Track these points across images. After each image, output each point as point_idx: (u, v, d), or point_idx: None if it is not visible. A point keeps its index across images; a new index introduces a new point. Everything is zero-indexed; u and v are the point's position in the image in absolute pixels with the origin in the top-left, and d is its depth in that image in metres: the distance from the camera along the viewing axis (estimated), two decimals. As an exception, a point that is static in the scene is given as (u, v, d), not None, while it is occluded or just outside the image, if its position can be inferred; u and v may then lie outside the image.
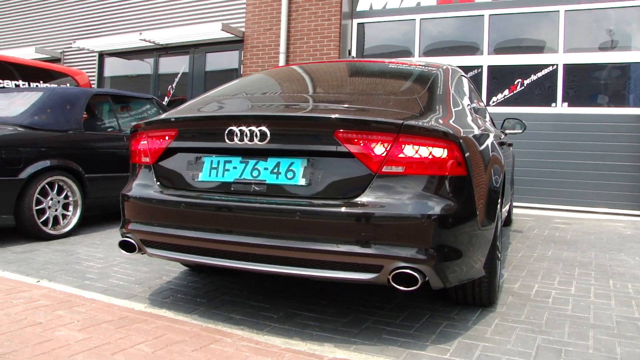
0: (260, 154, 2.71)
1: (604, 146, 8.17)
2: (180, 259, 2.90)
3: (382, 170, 2.52)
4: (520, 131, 5.76)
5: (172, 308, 3.23)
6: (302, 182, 2.60)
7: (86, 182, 5.70)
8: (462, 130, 2.73)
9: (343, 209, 2.48)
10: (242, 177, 2.72)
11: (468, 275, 2.76)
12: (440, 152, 2.54)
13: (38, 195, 5.23)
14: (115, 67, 13.02)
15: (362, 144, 2.53)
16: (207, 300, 3.41)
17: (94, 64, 13.10)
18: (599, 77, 8.36)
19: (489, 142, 3.25)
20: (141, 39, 11.46)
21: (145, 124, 3.09)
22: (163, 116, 3.05)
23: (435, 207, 2.49)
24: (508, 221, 6.62)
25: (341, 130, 2.54)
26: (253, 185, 2.69)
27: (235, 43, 10.98)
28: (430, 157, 2.53)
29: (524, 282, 3.98)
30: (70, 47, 13.08)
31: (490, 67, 8.93)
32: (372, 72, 3.84)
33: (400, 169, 2.51)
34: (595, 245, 5.56)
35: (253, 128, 2.65)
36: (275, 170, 2.66)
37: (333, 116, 2.59)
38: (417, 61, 3.98)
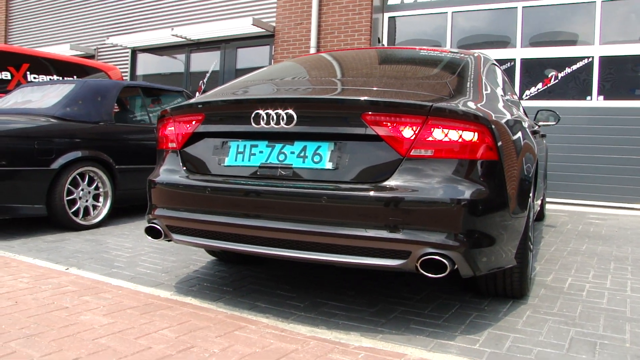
0: (286, 137, 2.67)
1: (642, 140, 7.93)
2: (206, 244, 2.88)
3: (411, 153, 2.46)
4: (554, 123, 5.61)
5: (197, 296, 3.22)
6: (329, 165, 2.55)
7: (116, 173, 5.75)
8: (493, 115, 2.65)
9: (371, 193, 2.42)
10: (268, 162, 2.69)
11: (498, 264, 2.68)
12: (470, 136, 2.47)
13: (69, 186, 5.28)
14: (147, 64, 13.16)
15: (390, 127, 2.47)
16: (233, 289, 3.39)
17: (127, 60, 13.26)
18: (637, 69, 8.12)
19: (521, 128, 3.16)
20: (173, 35, 11.55)
21: (171, 109, 3.08)
22: (190, 101, 3.03)
23: (466, 191, 2.42)
24: (541, 215, 6.47)
25: (369, 113, 2.49)
26: (279, 170, 2.65)
27: (266, 38, 10.99)
28: (460, 140, 2.46)
29: (557, 276, 3.87)
30: (104, 44, 13.26)
31: (523, 61, 8.75)
32: (401, 58, 3.77)
33: (429, 153, 2.45)
34: (632, 241, 5.39)
35: (280, 111, 2.61)
36: (302, 154, 2.62)
37: (361, 98, 2.53)
38: (448, 49, 3.90)
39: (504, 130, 2.72)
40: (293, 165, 2.63)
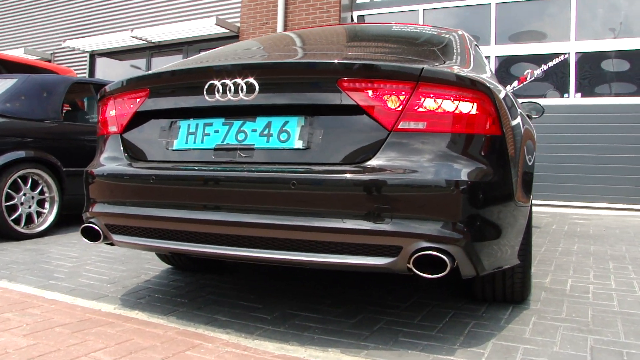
0: (247, 112, 2.21)
1: (621, 138, 7.65)
2: (152, 245, 2.38)
3: (398, 126, 2.01)
4: (537, 116, 5.26)
5: (146, 309, 2.72)
6: (298, 144, 2.09)
7: (64, 176, 5.20)
8: (493, 85, 2.23)
9: (349, 176, 1.97)
10: (225, 142, 2.22)
11: (502, 261, 2.25)
12: (469, 106, 2.05)
13: (9, 190, 4.72)
14: (107, 69, 12.54)
15: (372, 95, 2.03)
16: (188, 300, 2.90)
17: (85, 65, 12.63)
18: (615, 65, 7.87)
19: (520, 111, 2.74)
20: (132, 37, 10.99)
21: (111, 87, 2.59)
22: (132, 76, 2.54)
23: (466, 170, 1.99)
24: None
25: (346, 79, 2.04)
26: (238, 152, 2.18)
27: (230, 39, 10.49)
28: (457, 110, 2.03)
29: (555, 277, 3.46)
30: (61, 48, 12.60)
31: (498, 58, 8.44)
32: (381, 32, 3.32)
33: (420, 125, 2.01)
34: (623, 239, 5.04)
35: (238, 80, 2.15)
36: (266, 132, 2.15)
37: (336, 61, 2.09)
38: (430, 25, 3.47)
39: (504, 106, 2.29)
40: (255, 146, 2.16)
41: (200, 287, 3.16)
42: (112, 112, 2.58)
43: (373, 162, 1.99)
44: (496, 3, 8.51)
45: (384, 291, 3.06)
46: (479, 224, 2.01)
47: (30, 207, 4.94)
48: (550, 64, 8.10)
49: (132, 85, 2.49)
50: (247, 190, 2.09)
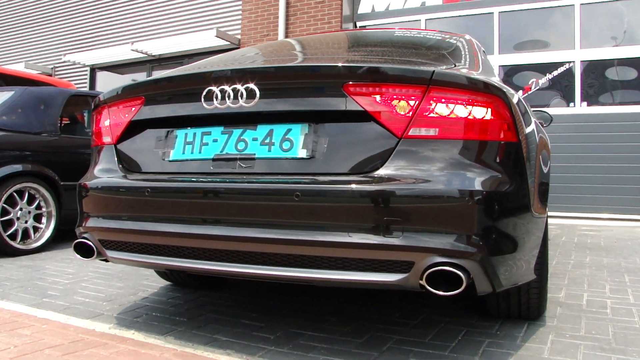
0: (247, 120, 2.09)
1: (629, 147, 7.52)
2: (148, 262, 2.25)
3: (409, 133, 1.89)
4: (545, 125, 5.13)
5: (142, 329, 2.59)
6: (302, 153, 1.97)
7: (62, 190, 5.08)
8: (506, 89, 2.11)
9: (357, 186, 1.84)
10: (224, 152, 2.10)
11: (519, 277, 2.12)
12: (483, 111, 1.92)
13: (4, 205, 4.60)
14: (107, 83, 12.46)
15: (380, 100, 1.91)
16: (188, 318, 2.76)
17: (86, 79, 12.56)
18: (620, 73, 7.76)
19: (533, 118, 2.62)
20: (133, 50, 10.92)
21: (106, 95, 2.48)
22: (127, 83, 2.42)
23: (481, 180, 1.86)
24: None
25: (352, 83, 1.92)
26: (238, 162, 2.06)
27: (231, 51, 10.42)
28: (470, 116, 1.91)
29: (569, 291, 3.32)
30: (61, 62, 12.54)
31: (502, 67, 8.34)
32: (385, 37, 3.20)
33: (432, 132, 1.89)
34: (637, 251, 4.89)
35: (237, 86, 2.03)
36: (267, 141, 2.03)
37: (341, 64, 1.96)
38: (436, 29, 3.36)
39: (519, 110, 2.17)
40: (256, 156, 2.04)
41: (200, 305, 3.02)
42: (107, 122, 2.46)
43: (382, 172, 1.87)
44: (499, 12, 8.43)
45: (392, 307, 2.93)
46: (495, 237, 1.88)
47: (26, 222, 4.82)
48: (555, 72, 8.00)
49: (126, 93, 2.38)
50: (248, 202, 1.96)
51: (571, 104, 7.91)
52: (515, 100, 2.18)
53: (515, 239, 2.00)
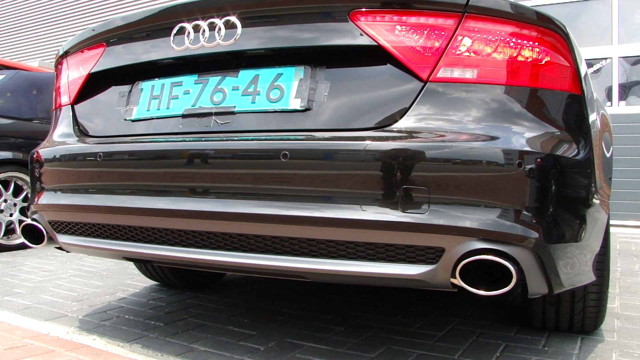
0: (226, 64, 1.62)
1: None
2: (104, 249, 1.78)
3: (437, 75, 1.40)
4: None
5: (107, 333, 2.12)
6: (295, 104, 1.49)
7: (52, 182, 4.64)
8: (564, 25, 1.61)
9: (368, 144, 1.35)
10: (196, 106, 1.63)
11: (581, 276, 1.60)
12: (537, 48, 1.43)
13: (-14, 195, 4.20)
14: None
15: (400, 32, 1.43)
16: (165, 323, 2.29)
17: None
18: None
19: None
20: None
21: (65, 45, 2.04)
22: (87, 29, 1.97)
23: (536, 138, 1.37)
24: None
25: (364, 10, 1.44)
26: (214, 118, 1.59)
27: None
28: (520, 55, 1.41)
29: (625, 301, 2.79)
30: (74, 60, 12.26)
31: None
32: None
33: (468, 74, 1.40)
34: (690, 259, 4.32)
35: (215, 20, 1.57)
36: (251, 90, 1.55)
37: (349, -16, 1.48)
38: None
39: (581, 57, 1.66)
40: (236, 109, 1.56)
41: (183, 308, 2.55)
42: (65, 79, 2.02)
43: (402, 125, 1.38)
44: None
45: (410, 315, 2.42)
46: (555, 216, 1.37)
47: (11, 215, 4.40)
48: (591, 70, 7.43)
49: (86, 41, 1.93)
50: (224, 168, 1.48)
51: (608, 104, 7.33)
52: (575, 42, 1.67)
53: (578, 223, 1.49)
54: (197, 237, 1.57)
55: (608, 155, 2.02)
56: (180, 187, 1.53)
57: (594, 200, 1.60)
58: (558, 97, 1.45)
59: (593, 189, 1.59)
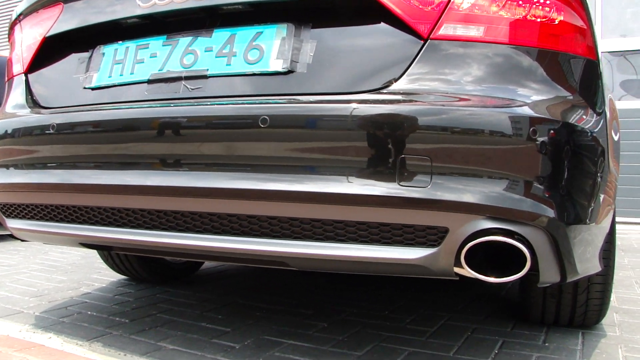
0: (198, 23, 1.43)
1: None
2: (59, 233, 1.58)
3: (439, 33, 1.23)
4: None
5: (65, 331, 1.92)
6: (276, 65, 1.30)
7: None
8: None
9: (360, 107, 1.17)
10: (164, 70, 1.43)
11: (590, 264, 1.44)
12: (549, 6, 1.26)
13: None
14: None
15: None
16: (131, 319, 2.09)
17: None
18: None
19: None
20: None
21: (19, 8, 1.83)
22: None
23: (547, 101, 1.21)
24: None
25: (355, -43, 1.26)
26: (183, 83, 1.40)
27: None
28: (530, 14, 1.25)
29: (620, 295, 2.65)
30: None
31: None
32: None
33: (473, 31, 1.23)
34: (678, 253, 4.23)
35: (185, -30, 1.37)
36: (226, 51, 1.37)
37: None
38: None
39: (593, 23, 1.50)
40: (209, 72, 1.37)
41: (152, 304, 2.35)
42: (18, 45, 1.81)
43: (399, 86, 1.20)
44: None
45: (398, 309, 2.25)
46: (570, 192, 1.21)
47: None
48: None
49: (41, 1, 1.72)
50: (189, 139, 1.29)
51: None
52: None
53: (592, 202, 1.32)
54: (162, 218, 1.37)
55: (616, 139, 1.87)
56: (141, 160, 1.34)
57: (608, 175, 1.44)
58: (574, 60, 1.29)
59: (606, 167, 1.43)
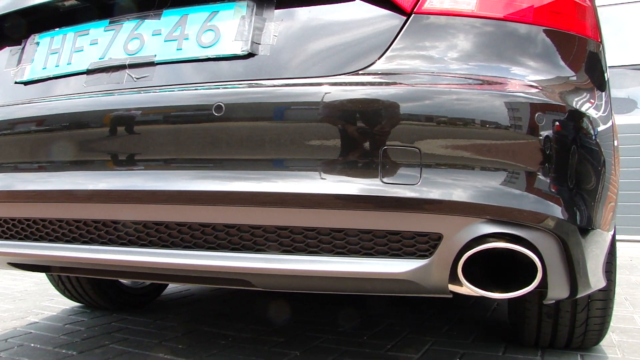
0: (145, 5, 1.24)
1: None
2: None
3: (424, 6, 1.05)
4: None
5: (-1, 367, 1.67)
6: (234, 48, 1.11)
7: None
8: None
9: (333, 90, 0.98)
10: (105, 58, 1.23)
11: (599, 277, 1.26)
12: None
13: None
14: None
15: None
16: (79, 351, 1.85)
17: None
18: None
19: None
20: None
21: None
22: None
23: (548, 82, 1.03)
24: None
25: None
26: (127, 72, 1.19)
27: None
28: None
29: (616, 313, 2.49)
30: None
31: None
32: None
33: (464, 6, 1.05)
34: (663, 269, 4.12)
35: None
36: (177, 34, 1.18)
37: None
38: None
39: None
40: (157, 59, 1.18)
41: (106, 332, 2.11)
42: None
43: (379, 67, 1.02)
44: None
45: (378, 335, 2.05)
46: (577, 191, 1.03)
47: None
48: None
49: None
50: (127, 134, 1.08)
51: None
52: None
53: (601, 207, 1.15)
54: (100, 230, 1.16)
55: (616, 144, 1.71)
56: (71, 162, 1.13)
57: (613, 176, 1.27)
58: (577, 41, 1.13)
59: (611, 165, 1.26)
